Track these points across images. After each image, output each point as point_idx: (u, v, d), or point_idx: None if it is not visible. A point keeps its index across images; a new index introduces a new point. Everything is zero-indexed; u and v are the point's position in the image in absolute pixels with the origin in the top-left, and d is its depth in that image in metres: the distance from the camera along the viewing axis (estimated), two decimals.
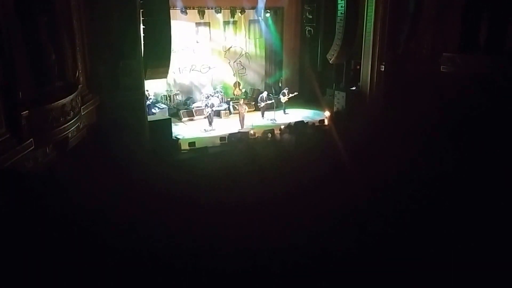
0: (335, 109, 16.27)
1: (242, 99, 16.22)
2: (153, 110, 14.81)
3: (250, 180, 8.80)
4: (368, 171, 9.22)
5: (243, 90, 17.79)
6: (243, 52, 18.16)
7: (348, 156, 10.69)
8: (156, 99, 16.00)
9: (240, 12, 17.10)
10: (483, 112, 12.05)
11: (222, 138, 13.42)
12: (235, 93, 17.62)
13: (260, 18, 17.87)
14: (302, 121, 15.17)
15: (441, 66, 14.91)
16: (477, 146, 10.37)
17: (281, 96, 16.54)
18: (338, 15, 15.55)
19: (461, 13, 14.56)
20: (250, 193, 8.06)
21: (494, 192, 8.12)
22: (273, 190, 8.27)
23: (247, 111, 15.54)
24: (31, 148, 7.29)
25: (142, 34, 11.65)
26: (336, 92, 16.61)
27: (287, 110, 16.69)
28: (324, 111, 16.03)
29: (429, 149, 10.54)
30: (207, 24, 16.86)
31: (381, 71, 15.58)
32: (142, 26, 11.60)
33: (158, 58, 12.04)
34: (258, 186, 8.66)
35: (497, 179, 8.67)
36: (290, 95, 16.37)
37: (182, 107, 16.33)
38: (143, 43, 11.65)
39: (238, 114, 15.32)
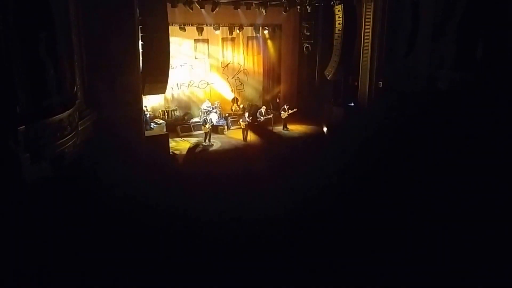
0: (332, 125, 16.27)
1: (247, 112, 16.19)
2: (152, 125, 14.77)
3: None
4: None
5: (241, 106, 17.81)
6: (241, 68, 18.25)
7: None
8: (154, 114, 15.97)
9: (239, 29, 17.24)
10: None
11: None
12: (233, 108, 17.65)
13: (258, 35, 18.03)
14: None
15: (438, 83, 14.97)
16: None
17: (281, 112, 16.59)
18: (336, 32, 15.68)
19: (457, 29, 14.67)
20: None
21: None
22: None
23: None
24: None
25: (140, 50, 11.70)
26: (334, 108, 16.64)
27: (288, 126, 16.67)
28: (322, 127, 16.02)
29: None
30: (206, 40, 16.98)
31: (379, 87, 15.63)
32: (141, 42, 11.65)
33: (157, 74, 12.05)
34: None
35: None
36: (290, 111, 16.42)
37: (180, 123, 16.30)
38: (142, 59, 11.69)
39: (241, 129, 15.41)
